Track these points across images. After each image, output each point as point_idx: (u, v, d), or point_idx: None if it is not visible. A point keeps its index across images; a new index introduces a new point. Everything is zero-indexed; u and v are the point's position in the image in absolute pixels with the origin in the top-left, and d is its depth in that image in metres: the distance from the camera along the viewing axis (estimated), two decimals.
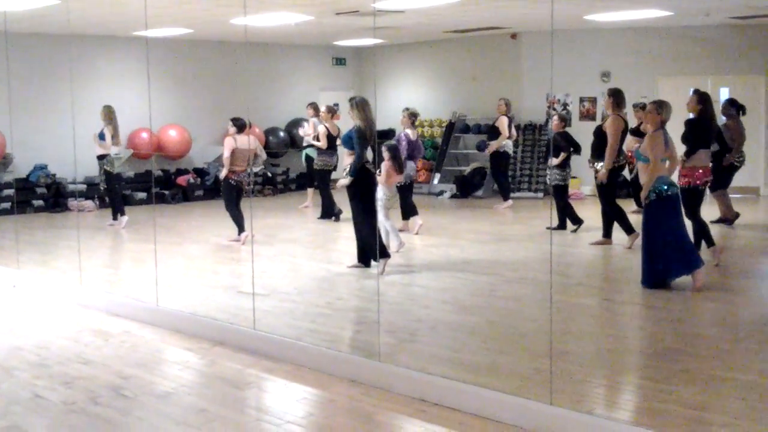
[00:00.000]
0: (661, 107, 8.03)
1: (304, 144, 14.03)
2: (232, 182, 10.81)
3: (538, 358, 5.72)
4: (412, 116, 12.01)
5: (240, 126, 10.84)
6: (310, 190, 14.60)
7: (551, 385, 4.94)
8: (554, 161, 11.40)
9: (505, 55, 17.06)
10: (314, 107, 14.20)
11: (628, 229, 10.30)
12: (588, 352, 6.22)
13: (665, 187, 7.84)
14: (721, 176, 11.60)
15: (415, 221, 11.70)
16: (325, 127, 13.15)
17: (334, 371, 5.74)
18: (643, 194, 7.98)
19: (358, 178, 8.86)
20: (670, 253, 7.84)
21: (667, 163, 7.99)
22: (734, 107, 11.80)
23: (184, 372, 6.01)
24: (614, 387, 5.55)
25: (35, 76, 14.94)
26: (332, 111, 13.41)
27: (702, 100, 9.84)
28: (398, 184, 11.16)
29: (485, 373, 5.60)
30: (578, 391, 5.23)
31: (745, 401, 4.99)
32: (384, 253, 9.01)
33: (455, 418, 4.88)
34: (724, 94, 16.23)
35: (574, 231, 11.33)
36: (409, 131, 11.88)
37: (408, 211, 11.77)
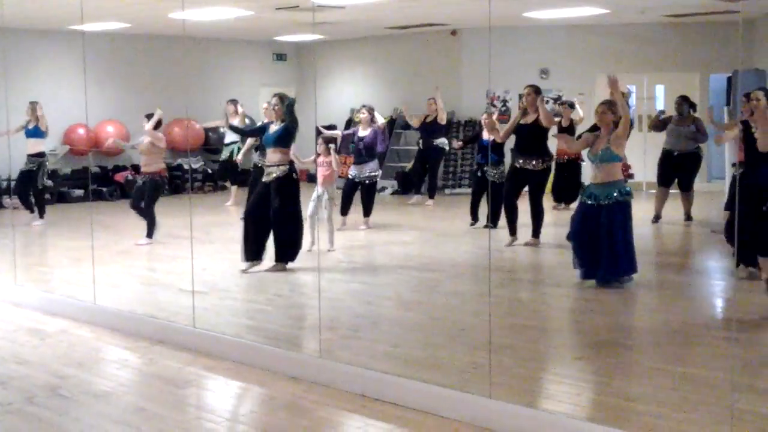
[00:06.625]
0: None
1: (233, 139, 13.65)
2: None
3: (478, 353, 5.78)
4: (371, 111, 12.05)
5: None
6: (234, 188, 14.40)
7: (490, 378, 5.00)
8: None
9: (445, 51, 17.16)
10: (234, 103, 13.73)
11: (537, 232, 10.16)
12: (527, 345, 6.30)
13: (628, 191, 7.93)
14: (691, 175, 11.84)
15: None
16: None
17: (274, 368, 5.72)
18: None
19: (293, 175, 8.84)
20: (619, 253, 7.84)
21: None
22: (687, 104, 11.86)
23: (122, 371, 5.94)
24: (552, 380, 5.63)
25: None
26: None
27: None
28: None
29: (426, 367, 5.64)
30: (517, 385, 5.30)
31: (679, 392, 5.11)
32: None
33: (396, 413, 4.91)
34: (659, 91, 16.57)
35: (485, 226, 11.23)
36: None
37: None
